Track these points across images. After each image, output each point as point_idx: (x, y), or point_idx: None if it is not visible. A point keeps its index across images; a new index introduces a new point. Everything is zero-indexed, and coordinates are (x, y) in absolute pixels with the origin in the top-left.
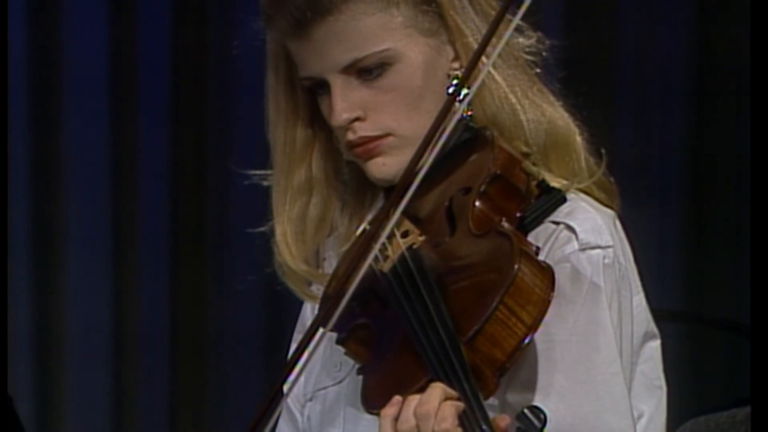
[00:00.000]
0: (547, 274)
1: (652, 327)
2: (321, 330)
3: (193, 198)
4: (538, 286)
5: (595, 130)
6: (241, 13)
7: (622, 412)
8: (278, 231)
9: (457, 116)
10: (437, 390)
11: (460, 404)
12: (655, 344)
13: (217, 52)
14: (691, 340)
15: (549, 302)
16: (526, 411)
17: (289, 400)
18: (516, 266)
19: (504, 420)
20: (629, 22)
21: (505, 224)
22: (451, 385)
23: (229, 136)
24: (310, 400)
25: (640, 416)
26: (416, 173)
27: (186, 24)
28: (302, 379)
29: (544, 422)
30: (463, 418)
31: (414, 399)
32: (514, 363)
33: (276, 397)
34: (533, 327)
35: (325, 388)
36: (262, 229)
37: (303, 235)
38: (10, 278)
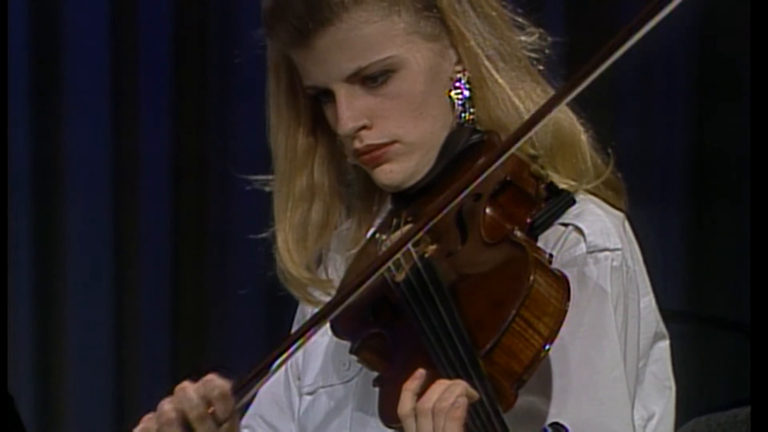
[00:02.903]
0: (562, 283)
1: (662, 328)
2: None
3: (194, 202)
4: (553, 296)
5: (597, 129)
6: (241, 18)
7: (624, 417)
8: (280, 237)
9: (499, 161)
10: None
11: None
12: (665, 345)
13: (218, 57)
14: (693, 340)
15: (565, 312)
16: (548, 428)
17: (292, 388)
18: (531, 277)
19: None
20: (631, 18)
21: (518, 233)
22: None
23: (230, 141)
24: (311, 394)
25: (651, 417)
26: (452, 198)
27: (187, 28)
28: (300, 369)
29: None
30: None
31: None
32: (532, 375)
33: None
34: (550, 338)
35: (331, 385)
36: (263, 235)
37: (305, 242)
38: (11, 277)
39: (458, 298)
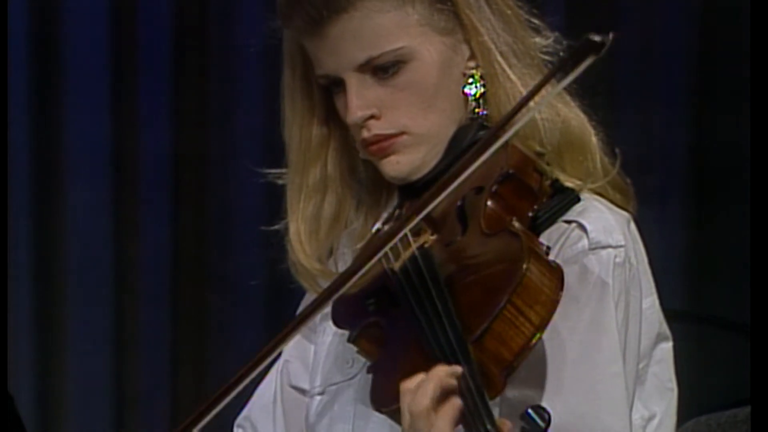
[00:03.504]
0: (556, 273)
1: (665, 329)
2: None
3: (194, 201)
4: (546, 285)
5: (598, 129)
6: (241, 18)
7: (620, 413)
8: (292, 229)
9: (501, 142)
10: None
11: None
12: (667, 346)
13: (218, 56)
14: (693, 340)
15: (557, 302)
16: (530, 411)
17: (277, 394)
18: (524, 265)
19: (506, 425)
20: (630, 20)
21: (516, 223)
22: (458, 384)
23: (230, 140)
24: (321, 394)
25: (652, 417)
26: (445, 187)
27: (187, 28)
28: (292, 374)
29: (548, 422)
30: (468, 417)
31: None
32: (522, 362)
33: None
34: (541, 327)
35: (336, 383)
36: (276, 227)
37: (317, 234)
38: (11, 277)
39: (454, 285)
